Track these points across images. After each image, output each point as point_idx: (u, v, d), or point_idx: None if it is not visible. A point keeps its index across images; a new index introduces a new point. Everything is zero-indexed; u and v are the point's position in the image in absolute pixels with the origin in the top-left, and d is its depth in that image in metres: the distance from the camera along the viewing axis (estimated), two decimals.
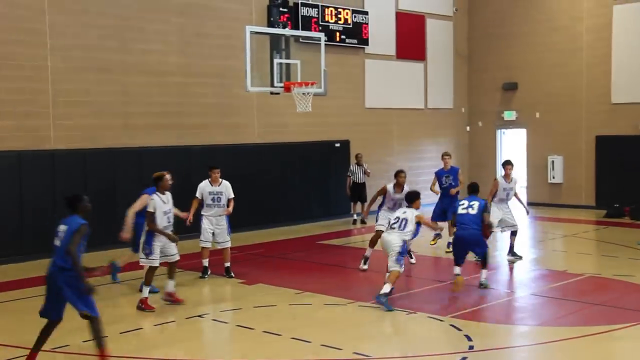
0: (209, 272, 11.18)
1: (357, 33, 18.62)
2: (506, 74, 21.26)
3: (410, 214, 9.91)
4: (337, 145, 18.42)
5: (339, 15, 18.13)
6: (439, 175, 13.39)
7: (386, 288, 9.19)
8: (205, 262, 11.16)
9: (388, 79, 19.76)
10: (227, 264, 11.24)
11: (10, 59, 12.83)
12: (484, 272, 10.25)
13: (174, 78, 15.14)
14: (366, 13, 18.86)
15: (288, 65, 13.03)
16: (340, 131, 18.52)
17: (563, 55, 20.06)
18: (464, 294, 10.12)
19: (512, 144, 22.32)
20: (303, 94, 12.89)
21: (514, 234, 12.39)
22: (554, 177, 20.27)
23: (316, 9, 17.54)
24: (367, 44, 18.94)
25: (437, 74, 21.28)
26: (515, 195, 12.56)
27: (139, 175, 14.43)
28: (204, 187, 11.33)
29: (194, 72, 15.44)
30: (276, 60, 12.83)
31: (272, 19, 16.07)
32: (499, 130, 21.86)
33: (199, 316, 8.93)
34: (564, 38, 20.03)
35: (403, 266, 9.62)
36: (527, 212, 12.95)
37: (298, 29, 16.49)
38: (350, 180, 17.19)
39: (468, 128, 22.40)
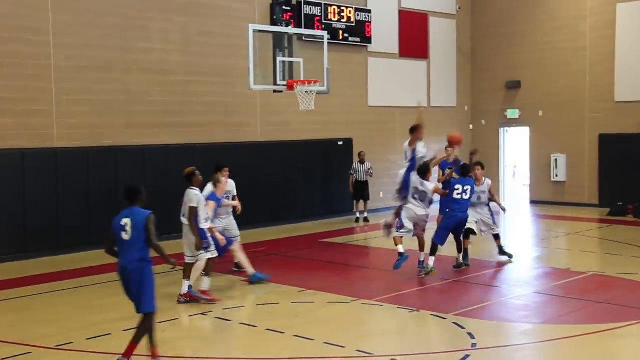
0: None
1: (360, 31, 18.61)
2: (509, 72, 21.23)
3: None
4: (340, 143, 18.41)
5: (342, 14, 18.12)
6: (442, 167, 12.84)
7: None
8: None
9: (391, 77, 19.75)
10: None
11: (13, 57, 12.85)
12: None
13: (177, 77, 15.15)
14: (369, 11, 18.84)
15: (291, 63, 13.03)
16: (343, 129, 18.51)
17: (566, 53, 20.02)
18: (467, 292, 10.11)
19: (516, 143, 22.31)
20: (306, 92, 12.89)
21: (496, 237, 12.05)
22: (557, 176, 20.24)
23: (319, 7, 17.54)
24: (370, 42, 18.93)
25: (440, 72, 21.26)
26: (492, 195, 12.02)
27: (142, 173, 14.46)
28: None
29: (197, 70, 15.45)
30: (279, 59, 12.83)
31: (275, 17, 16.06)
32: (502, 129, 21.83)
33: (202, 314, 8.94)
34: (568, 36, 19.99)
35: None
36: (504, 211, 12.48)
37: (301, 27, 16.49)
38: (353, 179, 17.18)
39: (471, 126, 22.37)
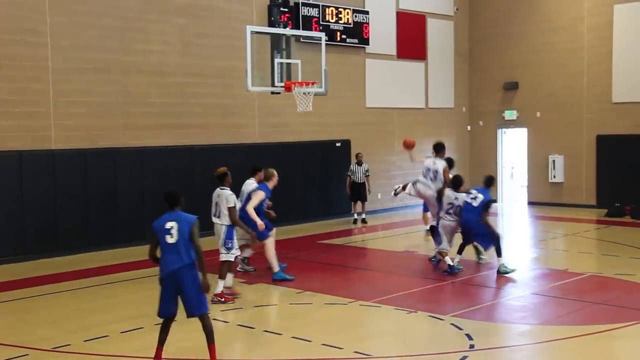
0: None
1: (357, 33, 18.63)
2: (507, 73, 21.26)
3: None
4: (338, 144, 18.43)
5: (340, 15, 18.14)
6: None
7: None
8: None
9: (389, 79, 19.77)
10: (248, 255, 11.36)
11: (12, 59, 12.85)
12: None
13: (175, 78, 15.15)
14: (367, 13, 18.86)
15: (289, 65, 13.03)
16: (341, 131, 18.52)
17: (564, 54, 20.05)
18: (465, 293, 10.13)
19: (513, 144, 22.33)
20: (304, 93, 12.89)
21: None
22: (554, 177, 20.26)
23: (317, 9, 17.55)
24: (368, 44, 18.94)
25: (437, 73, 21.28)
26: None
27: (140, 175, 14.47)
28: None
29: (195, 72, 15.45)
30: (277, 60, 12.83)
31: (272, 18, 16.04)
32: (500, 130, 21.86)
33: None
34: (565, 37, 20.02)
35: None
36: None
37: (299, 29, 16.49)
38: (350, 180, 17.19)
39: (469, 127, 22.40)
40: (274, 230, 11.35)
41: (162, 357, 6.81)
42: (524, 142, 21.37)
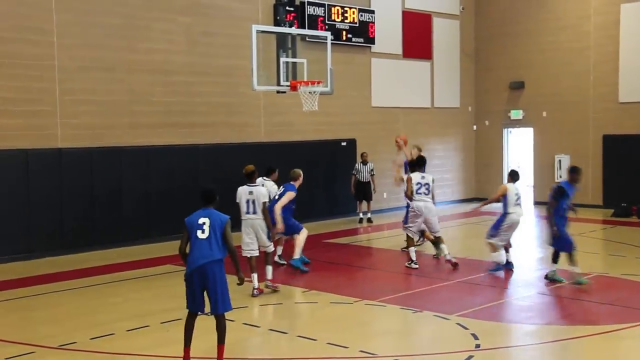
0: None
1: (363, 32, 18.61)
2: (513, 72, 21.20)
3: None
4: (344, 143, 18.41)
5: (346, 14, 18.12)
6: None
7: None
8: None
9: (394, 78, 19.74)
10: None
11: (18, 57, 12.88)
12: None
13: (180, 77, 15.16)
14: (373, 12, 18.83)
15: (294, 64, 13.03)
16: (347, 130, 18.51)
17: (570, 53, 19.98)
18: (470, 293, 10.10)
19: (519, 143, 22.27)
20: (309, 92, 12.88)
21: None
22: (561, 176, 20.16)
23: (323, 8, 17.53)
24: (374, 43, 18.92)
25: (443, 72, 21.24)
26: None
27: (145, 173, 14.49)
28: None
29: (200, 71, 15.46)
30: (282, 59, 12.83)
31: (278, 17, 16.08)
32: (506, 129, 21.80)
33: (205, 314, 8.92)
34: (572, 37, 19.96)
35: None
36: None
37: (304, 28, 16.49)
38: (355, 179, 17.17)
39: (475, 127, 22.35)
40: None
41: (165, 356, 6.80)
42: (530, 141, 21.30)
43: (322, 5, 17.52)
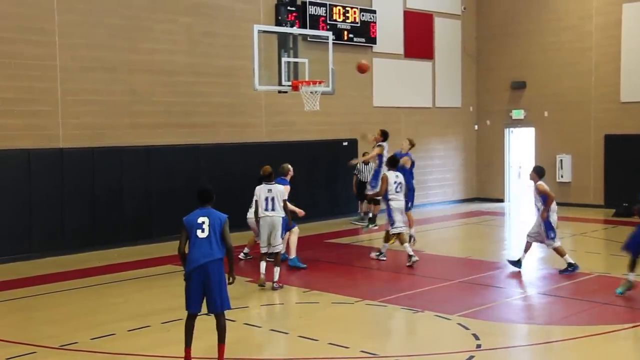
0: None
1: (365, 32, 18.60)
2: (515, 72, 21.19)
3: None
4: (345, 143, 18.40)
5: (347, 14, 18.11)
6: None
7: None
8: None
9: (396, 78, 19.73)
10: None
11: (19, 58, 12.89)
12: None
13: (182, 77, 15.16)
14: (374, 12, 18.83)
15: (296, 64, 13.03)
16: (348, 130, 18.50)
17: (572, 54, 19.97)
18: (471, 293, 10.09)
19: (521, 143, 22.25)
20: (311, 92, 12.89)
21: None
22: (562, 176, 20.18)
23: (324, 8, 17.53)
24: (375, 43, 18.91)
25: (445, 72, 21.22)
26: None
27: (146, 174, 14.50)
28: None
29: (202, 71, 15.46)
30: (284, 59, 12.83)
31: (280, 17, 16.06)
32: (507, 129, 21.78)
33: (206, 314, 8.93)
34: (573, 37, 19.94)
35: None
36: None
37: (306, 28, 16.47)
38: (357, 179, 17.17)
39: (476, 127, 22.33)
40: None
41: (166, 356, 6.81)
42: (531, 141, 21.28)
43: (324, 5, 17.52)
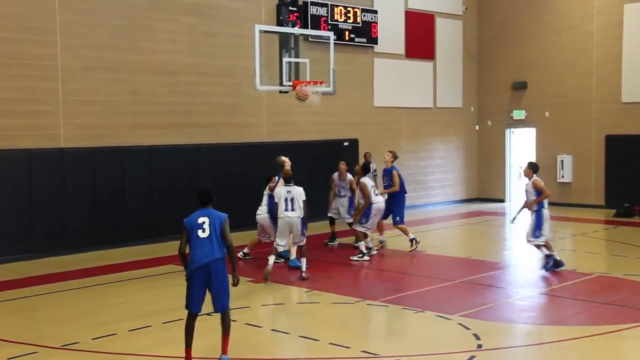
0: None
1: (366, 32, 18.61)
2: (516, 73, 21.19)
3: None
4: (346, 144, 18.40)
5: (348, 14, 18.12)
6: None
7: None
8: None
9: (397, 78, 19.74)
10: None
11: (21, 58, 12.90)
12: None
13: (183, 77, 15.18)
14: (375, 12, 18.84)
15: (297, 64, 13.04)
16: (349, 130, 18.51)
17: (573, 54, 19.96)
18: (472, 293, 10.10)
19: (522, 143, 22.24)
20: (313, 92, 12.88)
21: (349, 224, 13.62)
22: (563, 177, 20.18)
23: (325, 8, 17.54)
24: (376, 43, 18.92)
25: (446, 73, 21.23)
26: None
27: (148, 174, 14.51)
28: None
29: (203, 71, 15.47)
30: (285, 59, 12.84)
31: (281, 17, 16.03)
32: (508, 130, 21.78)
33: (207, 314, 8.94)
34: (574, 37, 19.93)
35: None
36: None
37: (307, 28, 16.48)
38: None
39: (477, 127, 22.34)
40: None
41: (167, 356, 6.83)
42: (532, 142, 21.28)
43: (325, 5, 17.53)
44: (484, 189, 22.10)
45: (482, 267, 11.76)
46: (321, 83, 12.92)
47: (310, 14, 17.15)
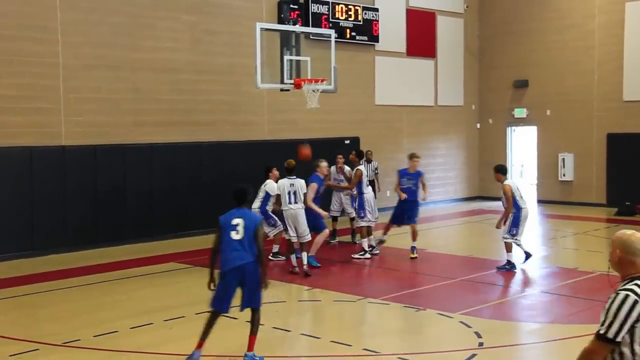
0: None
1: (367, 30, 18.59)
2: (517, 71, 21.17)
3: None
4: (347, 142, 18.38)
5: (350, 12, 18.10)
6: (400, 174, 12.82)
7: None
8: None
9: (398, 76, 19.72)
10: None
11: (22, 55, 12.90)
12: None
13: (184, 75, 15.17)
14: (377, 10, 18.82)
15: (298, 62, 13.03)
16: (350, 128, 18.50)
17: (575, 52, 19.94)
18: (473, 291, 10.09)
19: (523, 142, 22.25)
20: (313, 91, 12.88)
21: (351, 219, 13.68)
22: (564, 175, 20.17)
23: (327, 6, 17.52)
24: (378, 41, 18.91)
25: (447, 71, 21.21)
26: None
27: (149, 171, 14.51)
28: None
29: (204, 69, 15.46)
30: (286, 57, 12.83)
31: (282, 15, 16.07)
32: (510, 128, 21.77)
33: (208, 312, 8.93)
34: (576, 35, 19.91)
35: None
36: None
37: (308, 26, 16.47)
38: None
39: (478, 125, 22.32)
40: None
41: (169, 353, 6.81)
42: (534, 140, 21.27)
43: (327, 3, 17.51)
44: (485, 187, 22.08)
45: (483, 265, 11.74)
46: (322, 81, 12.91)
47: (312, 12, 17.13)
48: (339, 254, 13.25)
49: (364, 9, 18.47)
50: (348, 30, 18.09)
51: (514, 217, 11.15)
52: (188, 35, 15.25)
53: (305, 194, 11.09)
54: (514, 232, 11.15)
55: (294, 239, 11.18)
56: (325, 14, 17.46)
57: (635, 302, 3.45)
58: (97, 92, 13.89)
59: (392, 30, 19.42)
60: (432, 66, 20.81)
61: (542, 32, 20.65)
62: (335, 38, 13.90)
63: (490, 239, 15.64)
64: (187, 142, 15.17)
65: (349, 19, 18.09)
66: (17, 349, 7.44)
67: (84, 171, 13.58)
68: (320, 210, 11.47)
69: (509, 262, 11.20)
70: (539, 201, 20.78)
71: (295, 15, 16.37)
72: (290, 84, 12.82)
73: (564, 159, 20.13)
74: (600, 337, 3.49)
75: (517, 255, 11.45)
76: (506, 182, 11.16)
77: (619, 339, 3.45)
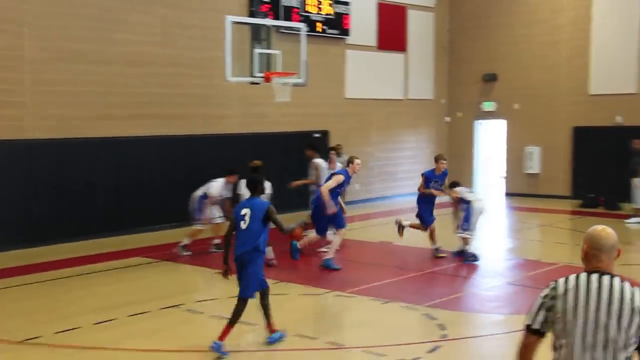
0: None
1: (338, 23, 18.59)
2: (486, 65, 21.36)
3: None
4: (317, 135, 18.40)
5: (321, 6, 18.07)
6: (427, 177, 12.74)
7: None
8: None
9: (369, 70, 19.77)
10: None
11: None
12: None
13: (154, 68, 15.02)
14: (347, 4, 18.82)
15: (269, 55, 12.99)
16: (320, 121, 18.51)
17: (543, 47, 20.19)
18: (440, 284, 10.20)
19: (491, 135, 22.47)
20: (283, 84, 12.86)
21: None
22: (531, 168, 20.45)
23: None
24: (348, 35, 18.92)
25: (417, 65, 21.33)
26: None
27: (117, 165, 14.37)
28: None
29: (175, 62, 15.32)
30: (257, 51, 12.79)
31: (253, 9, 16.00)
32: (478, 121, 21.97)
33: (175, 306, 8.91)
34: (544, 30, 20.15)
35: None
36: None
37: (279, 19, 16.41)
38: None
39: (447, 119, 22.49)
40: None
41: (132, 349, 6.79)
42: (502, 133, 21.50)
43: None
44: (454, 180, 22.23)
45: (450, 257, 11.86)
46: (292, 74, 12.89)
47: (282, 5, 17.07)
48: (306, 247, 13.27)
49: (335, 2, 18.46)
50: (319, 24, 18.07)
51: (465, 212, 11.42)
52: (159, 29, 15.08)
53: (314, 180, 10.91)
54: (466, 226, 11.39)
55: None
56: (296, 8, 17.40)
57: (552, 288, 3.43)
58: (64, 85, 13.68)
59: (363, 24, 19.45)
60: (402, 60, 20.90)
61: (510, 26, 20.86)
62: (306, 31, 13.89)
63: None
64: (157, 136, 15.04)
65: (320, 12, 18.06)
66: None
67: (50, 165, 13.39)
68: (329, 204, 10.67)
69: (472, 255, 11.35)
70: (507, 194, 21.04)
71: (266, 9, 16.31)
72: (261, 77, 12.79)
73: (531, 152, 20.39)
74: (526, 328, 3.52)
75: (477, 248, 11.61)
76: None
77: (536, 325, 3.42)
